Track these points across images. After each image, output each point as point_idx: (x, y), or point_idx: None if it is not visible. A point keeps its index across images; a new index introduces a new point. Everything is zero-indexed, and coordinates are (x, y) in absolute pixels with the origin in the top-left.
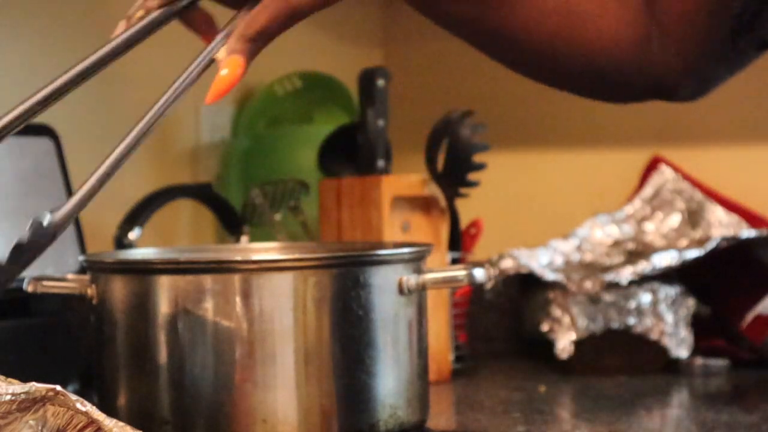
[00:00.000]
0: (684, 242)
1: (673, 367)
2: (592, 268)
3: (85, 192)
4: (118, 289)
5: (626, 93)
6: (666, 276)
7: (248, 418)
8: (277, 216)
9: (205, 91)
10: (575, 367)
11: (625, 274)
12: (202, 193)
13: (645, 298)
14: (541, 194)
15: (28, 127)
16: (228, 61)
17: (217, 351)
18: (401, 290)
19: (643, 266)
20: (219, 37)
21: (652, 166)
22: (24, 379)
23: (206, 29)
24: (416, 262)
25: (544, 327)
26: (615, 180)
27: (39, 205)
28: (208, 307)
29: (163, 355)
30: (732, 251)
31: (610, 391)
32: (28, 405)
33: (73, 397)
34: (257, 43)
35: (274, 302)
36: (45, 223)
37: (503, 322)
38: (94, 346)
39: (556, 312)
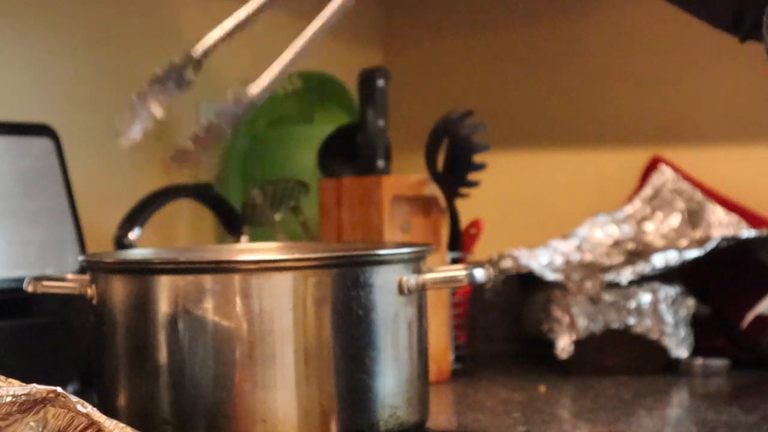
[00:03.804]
0: (684, 242)
1: (673, 367)
2: (592, 268)
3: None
4: (118, 289)
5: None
6: (666, 276)
7: (248, 418)
8: (277, 216)
9: (205, 91)
10: (575, 367)
11: (625, 274)
12: (202, 193)
13: (645, 298)
14: (541, 194)
15: (28, 127)
16: None
17: (217, 351)
18: (401, 290)
19: (643, 266)
20: None
21: (652, 166)
22: (24, 380)
23: None
24: (416, 262)
25: (544, 327)
26: (615, 180)
27: (39, 205)
28: (208, 307)
29: (163, 355)
30: (732, 251)
31: (610, 391)
32: (28, 406)
33: (74, 398)
34: None
35: (274, 302)
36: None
37: (503, 322)
38: (94, 346)
39: (556, 312)
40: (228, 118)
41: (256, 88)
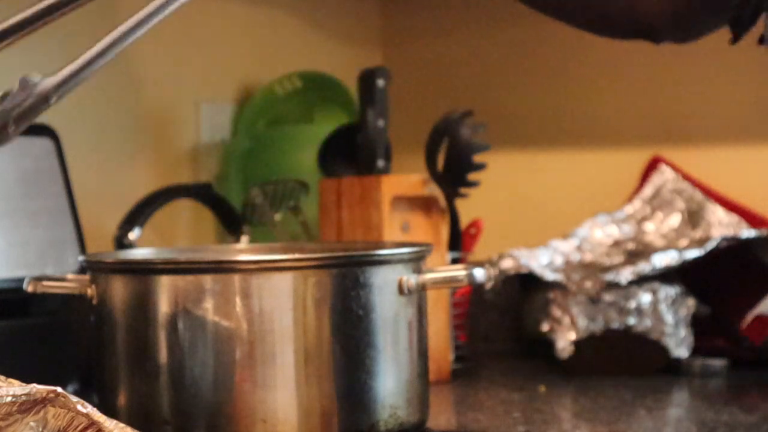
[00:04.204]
0: (684, 242)
1: (673, 367)
2: (592, 268)
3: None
4: (118, 289)
5: (616, 31)
6: (666, 276)
7: (248, 418)
8: (277, 216)
9: (206, 89)
10: (575, 367)
11: (625, 274)
12: (202, 193)
13: (645, 298)
14: (541, 194)
15: (28, 126)
16: None
17: (217, 351)
18: (401, 290)
19: (643, 266)
20: None
21: (652, 166)
22: (24, 380)
23: None
24: (416, 262)
25: (544, 327)
26: (615, 180)
27: (39, 205)
28: (208, 307)
29: (163, 355)
30: (732, 251)
31: (610, 391)
32: (28, 406)
33: (74, 398)
34: None
35: (274, 302)
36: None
37: (503, 322)
38: (94, 346)
39: (556, 312)
40: (15, 111)
41: (52, 79)
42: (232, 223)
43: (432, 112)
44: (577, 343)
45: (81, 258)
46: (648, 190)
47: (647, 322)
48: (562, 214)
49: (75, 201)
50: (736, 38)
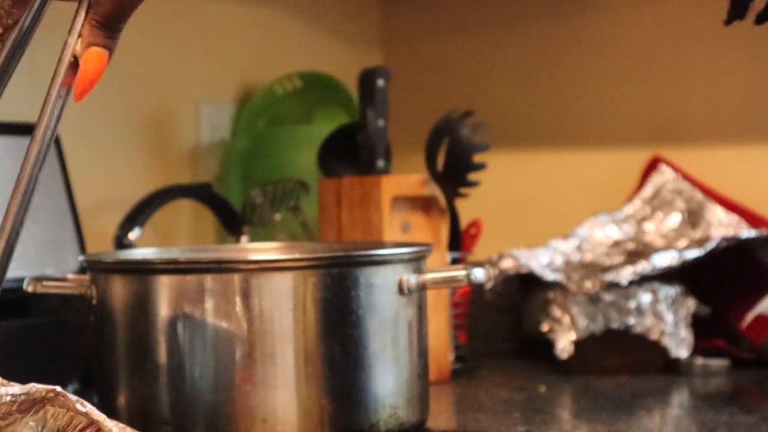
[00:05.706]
0: (684, 242)
1: (673, 367)
2: (592, 268)
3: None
4: (118, 289)
5: None
6: (666, 276)
7: (248, 418)
8: (277, 216)
9: (206, 89)
10: (575, 367)
11: (625, 274)
12: (202, 193)
13: (645, 298)
14: (541, 194)
15: (28, 127)
16: (88, 55)
17: (217, 351)
18: (401, 290)
19: (643, 266)
20: (73, 36)
21: (652, 166)
22: (24, 380)
23: None
24: (416, 262)
25: (544, 327)
26: (615, 180)
27: (39, 205)
28: (208, 307)
29: (163, 355)
30: (732, 251)
31: (610, 391)
32: (28, 406)
33: (73, 397)
34: (112, 27)
35: (274, 302)
36: None
37: (503, 322)
38: (94, 346)
39: (556, 312)
40: None
41: None
42: (232, 223)
43: (432, 112)
44: (577, 343)
45: (81, 258)
46: (648, 190)
47: (647, 322)
48: (562, 214)
49: (75, 201)
50: (731, 20)
